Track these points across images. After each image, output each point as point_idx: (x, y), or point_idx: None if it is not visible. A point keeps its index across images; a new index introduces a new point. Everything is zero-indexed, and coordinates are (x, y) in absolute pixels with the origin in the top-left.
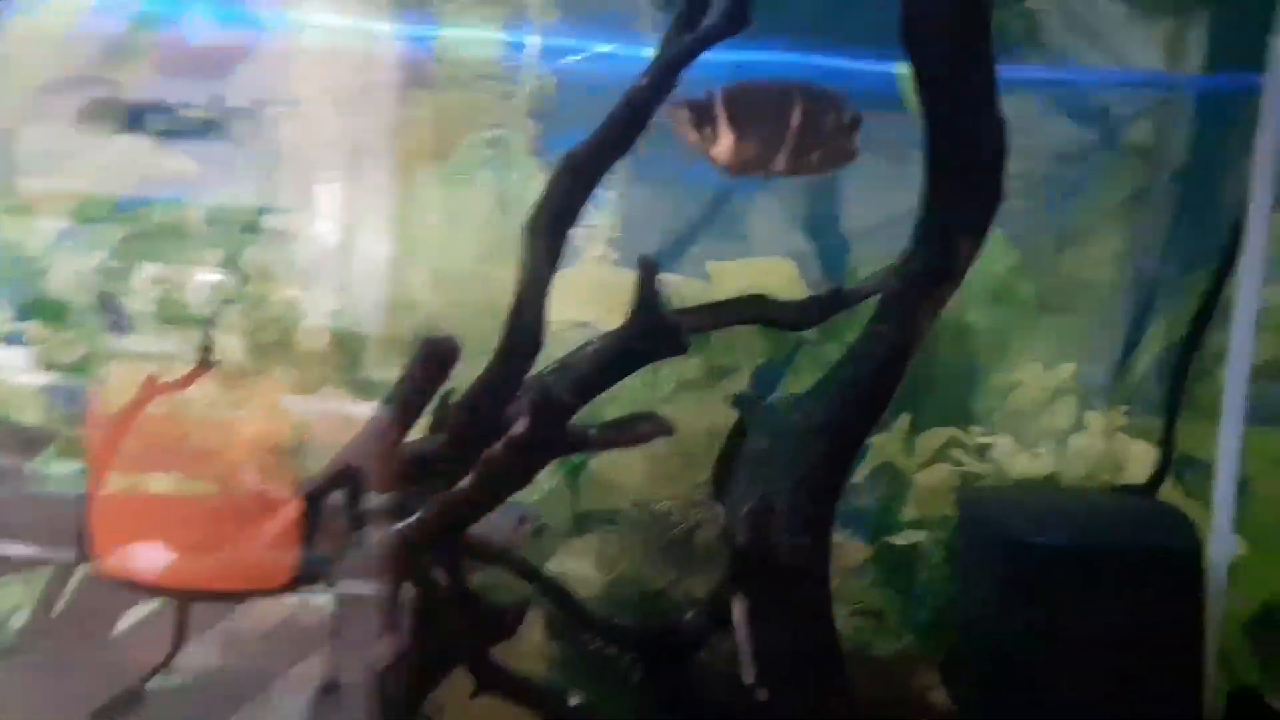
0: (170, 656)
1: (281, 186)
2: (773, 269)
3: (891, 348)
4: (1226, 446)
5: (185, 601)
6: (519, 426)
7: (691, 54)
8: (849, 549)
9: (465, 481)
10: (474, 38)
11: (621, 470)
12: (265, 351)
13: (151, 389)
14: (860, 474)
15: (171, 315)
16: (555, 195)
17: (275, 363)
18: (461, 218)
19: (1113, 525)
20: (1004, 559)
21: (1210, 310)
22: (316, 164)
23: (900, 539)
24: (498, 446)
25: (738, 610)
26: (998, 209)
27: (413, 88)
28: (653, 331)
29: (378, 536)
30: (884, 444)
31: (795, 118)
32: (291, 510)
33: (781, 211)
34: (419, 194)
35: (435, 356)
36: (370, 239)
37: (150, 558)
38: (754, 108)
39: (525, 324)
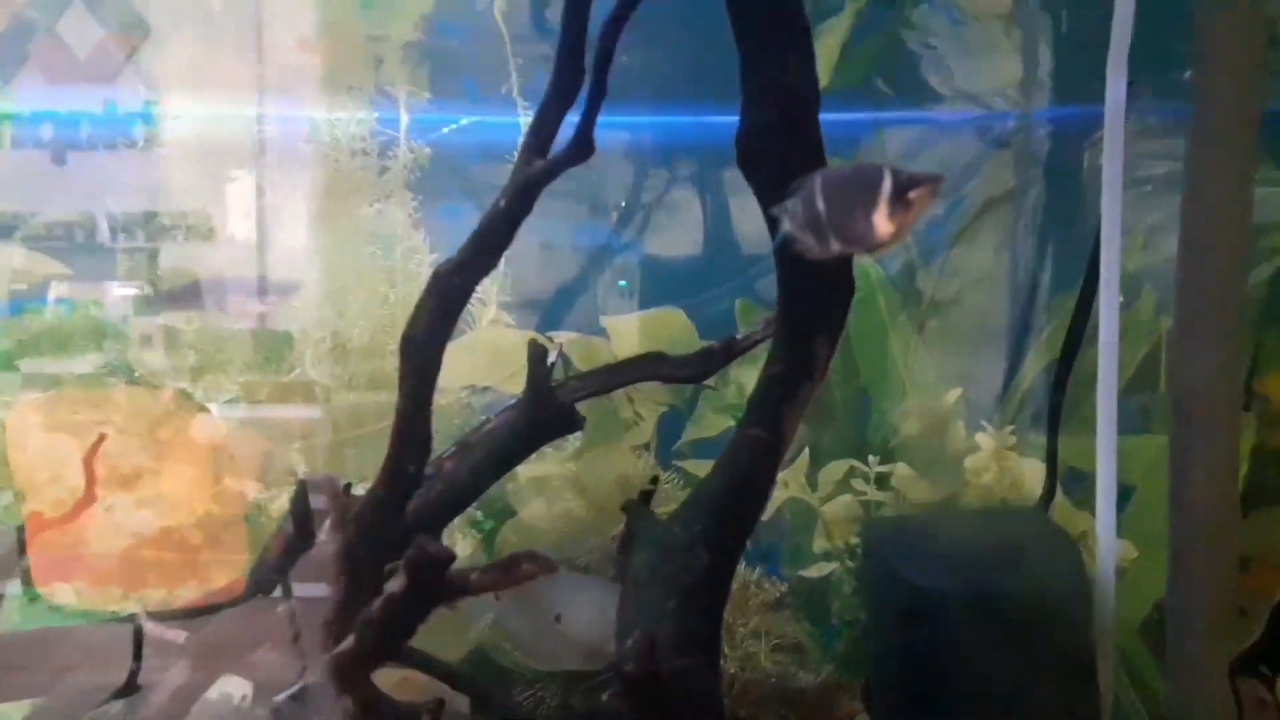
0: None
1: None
2: (666, 319)
3: (760, 452)
4: (1103, 459)
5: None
6: (396, 584)
7: (543, 180)
8: (765, 586)
9: (346, 644)
10: (345, 117)
11: (536, 533)
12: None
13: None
14: (769, 511)
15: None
16: (427, 312)
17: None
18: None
19: (1000, 556)
20: (899, 598)
21: (1081, 327)
22: (195, 258)
23: (812, 571)
24: (376, 606)
25: None
26: (850, 303)
27: (287, 168)
28: (546, 415)
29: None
30: (788, 479)
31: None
32: None
33: (668, 260)
34: (308, 273)
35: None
36: (263, 324)
37: None
38: (845, 196)
39: (411, 435)
